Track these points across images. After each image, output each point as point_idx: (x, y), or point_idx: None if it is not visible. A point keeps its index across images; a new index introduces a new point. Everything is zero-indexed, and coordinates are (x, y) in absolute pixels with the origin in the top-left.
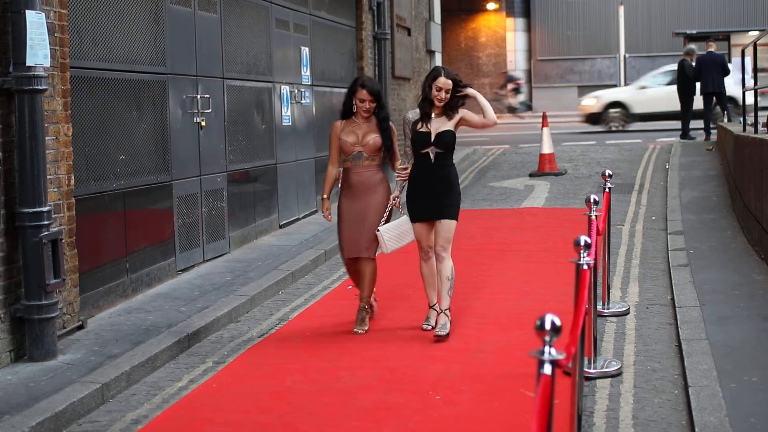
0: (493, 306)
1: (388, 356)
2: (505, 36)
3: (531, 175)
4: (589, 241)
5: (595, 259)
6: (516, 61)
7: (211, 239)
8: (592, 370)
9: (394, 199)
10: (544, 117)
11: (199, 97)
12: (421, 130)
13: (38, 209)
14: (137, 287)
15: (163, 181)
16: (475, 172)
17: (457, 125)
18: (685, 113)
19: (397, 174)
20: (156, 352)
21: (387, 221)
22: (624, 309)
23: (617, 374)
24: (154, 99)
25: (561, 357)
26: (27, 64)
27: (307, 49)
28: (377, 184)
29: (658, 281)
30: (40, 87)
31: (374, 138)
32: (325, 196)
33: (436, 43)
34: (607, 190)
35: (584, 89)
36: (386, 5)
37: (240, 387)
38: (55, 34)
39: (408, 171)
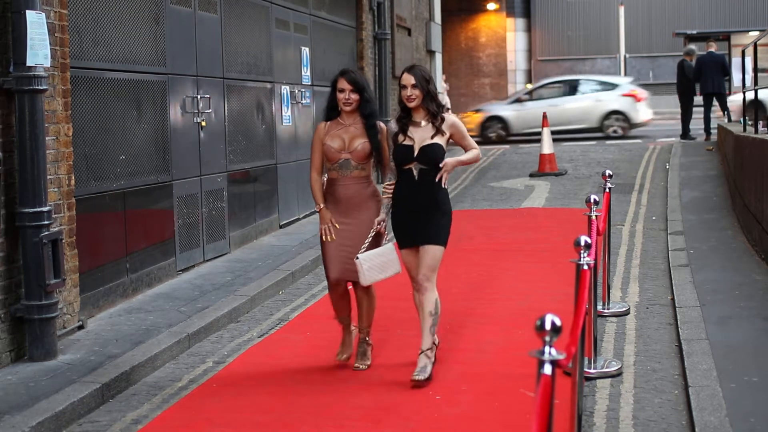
0: (493, 306)
1: (388, 356)
2: (505, 36)
3: (531, 175)
4: (589, 241)
5: (596, 259)
6: (516, 62)
7: (211, 239)
8: (592, 370)
9: (378, 224)
10: (545, 117)
11: (199, 97)
12: (402, 142)
13: (38, 209)
14: (137, 287)
15: (164, 181)
16: (476, 172)
17: (445, 136)
18: (685, 114)
19: (383, 190)
20: (156, 352)
21: (370, 247)
22: (624, 309)
23: (617, 374)
24: (155, 99)
25: (561, 357)
26: (27, 64)
27: (307, 49)
28: (368, 199)
29: (658, 281)
30: (40, 87)
31: (363, 143)
32: (321, 205)
33: (437, 43)
34: (607, 190)
35: None
36: (386, 5)
37: (240, 387)
38: (56, 34)
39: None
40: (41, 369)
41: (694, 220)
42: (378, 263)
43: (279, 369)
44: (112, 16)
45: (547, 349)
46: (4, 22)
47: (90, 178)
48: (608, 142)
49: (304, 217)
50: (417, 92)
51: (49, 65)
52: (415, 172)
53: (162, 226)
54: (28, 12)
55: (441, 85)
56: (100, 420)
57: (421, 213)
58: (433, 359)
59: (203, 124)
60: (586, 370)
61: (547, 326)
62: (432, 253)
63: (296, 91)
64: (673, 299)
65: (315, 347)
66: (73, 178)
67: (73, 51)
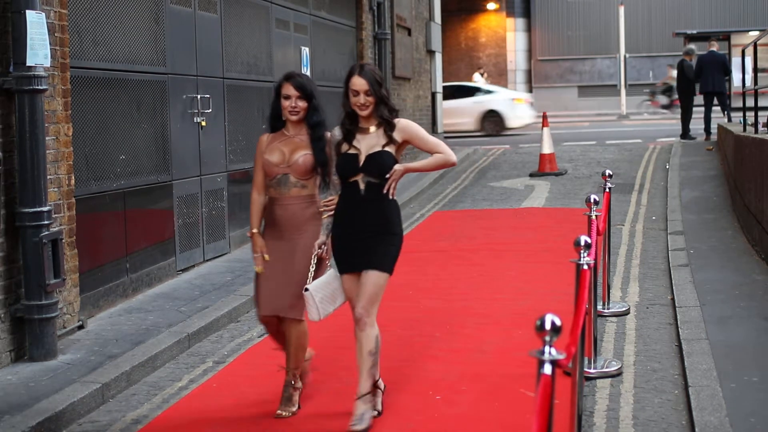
0: (493, 306)
1: (388, 356)
2: (505, 36)
3: (531, 175)
4: (589, 241)
5: (596, 259)
6: (516, 62)
7: (211, 239)
8: (592, 370)
9: (320, 247)
10: (545, 117)
11: (199, 97)
12: (347, 151)
13: (38, 209)
14: (137, 287)
15: (164, 181)
16: (476, 172)
17: (399, 148)
18: (685, 113)
19: (323, 207)
20: (156, 352)
21: (315, 276)
22: (624, 309)
23: (617, 374)
24: (155, 99)
25: (561, 357)
26: (27, 64)
27: (307, 49)
28: (308, 221)
29: (658, 281)
30: (40, 87)
31: (304, 155)
32: (254, 230)
33: (437, 43)
34: (607, 190)
35: (584, 89)
36: (386, 5)
37: (240, 387)
38: (56, 34)
39: (335, 204)
40: (41, 369)
41: (694, 220)
42: (328, 293)
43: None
44: (112, 16)
45: (547, 349)
46: (4, 22)
47: (90, 178)
48: (608, 142)
49: None
50: (371, 99)
51: (49, 65)
52: (361, 186)
53: (162, 226)
54: (28, 12)
55: (480, 79)
56: (100, 420)
57: (366, 233)
58: (377, 406)
59: (203, 124)
60: (586, 370)
61: (547, 326)
62: (374, 280)
63: None
64: (673, 299)
65: (316, 346)
66: (73, 178)
67: (73, 51)
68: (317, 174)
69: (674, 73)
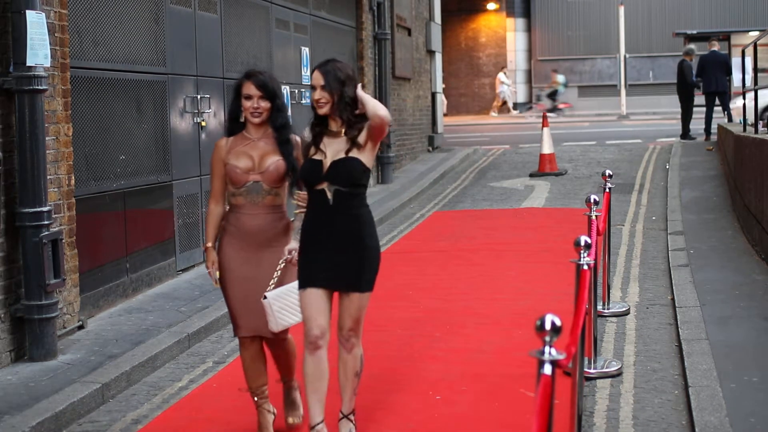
0: (493, 306)
1: (388, 356)
2: (505, 36)
3: (531, 175)
4: (589, 241)
5: (596, 259)
6: (516, 62)
7: None
8: (592, 370)
9: (290, 252)
10: (545, 117)
11: (199, 97)
12: (313, 156)
13: (38, 209)
14: (137, 287)
15: (164, 181)
16: (476, 172)
17: (367, 149)
18: (686, 114)
19: (296, 202)
20: (156, 352)
21: (278, 284)
22: (624, 309)
23: (617, 374)
24: (155, 99)
25: (561, 357)
26: (27, 64)
27: (307, 49)
28: (280, 234)
29: (658, 281)
30: (40, 87)
31: (277, 161)
32: (209, 244)
33: (437, 43)
34: (607, 190)
35: (584, 89)
36: (386, 5)
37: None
38: (56, 34)
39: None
40: (41, 369)
41: (694, 220)
42: (291, 302)
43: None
44: (112, 16)
45: (547, 349)
46: (4, 22)
47: (90, 178)
48: (608, 142)
49: None
50: (326, 96)
51: (49, 65)
52: (329, 195)
53: (162, 226)
54: (28, 12)
55: (505, 79)
56: (100, 420)
57: (337, 249)
58: (355, 425)
59: (203, 124)
60: (586, 370)
61: (547, 326)
62: (358, 303)
63: (296, 91)
64: (673, 299)
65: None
66: (73, 178)
67: (73, 51)
68: (288, 180)
69: (559, 77)
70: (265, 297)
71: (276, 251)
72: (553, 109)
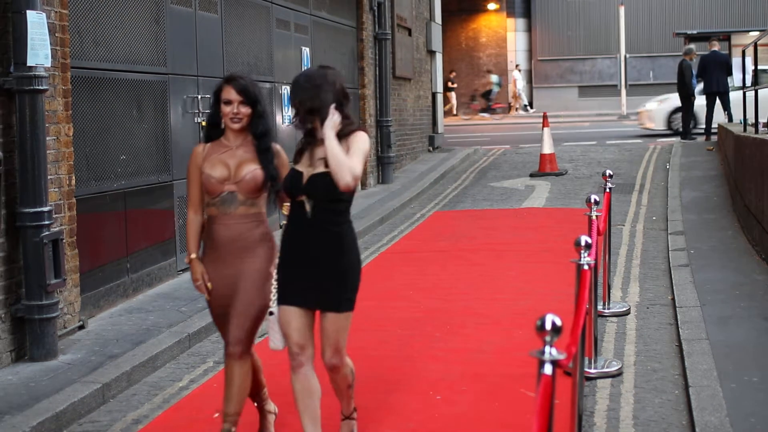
0: (493, 306)
1: (388, 356)
2: (505, 36)
3: (531, 175)
4: (589, 241)
5: (596, 259)
6: (516, 61)
7: None
8: (592, 370)
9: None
10: (545, 117)
11: (199, 97)
12: (296, 165)
13: (39, 209)
14: (138, 287)
15: (164, 181)
16: (476, 172)
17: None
18: (686, 114)
19: (285, 213)
20: (157, 352)
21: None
22: (624, 309)
23: (618, 374)
24: (155, 99)
25: (561, 357)
26: (28, 64)
27: (307, 49)
28: (256, 243)
29: (658, 281)
30: (40, 87)
31: (254, 170)
32: (192, 256)
33: (437, 44)
34: (607, 190)
35: (585, 89)
36: (387, 5)
37: None
38: (56, 34)
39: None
40: (42, 369)
41: (695, 220)
42: None
43: (279, 368)
44: (113, 16)
45: (547, 349)
46: (4, 22)
47: (90, 178)
48: (608, 142)
49: None
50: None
51: (49, 65)
52: (307, 208)
53: (162, 226)
54: (28, 12)
55: (519, 76)
56: (101, 420)
57: (315, 266)
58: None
59: (204, 124)
60: (586, 370)
61: (548, 326)
62: (338, 325)
63: None
64: (673, 299)
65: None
66: (74, 178)
67: (74, 51)
68: (266, 190)
69: (493, 77)
70: (271, 313)
71: (254, 259)
72: (487, 109)
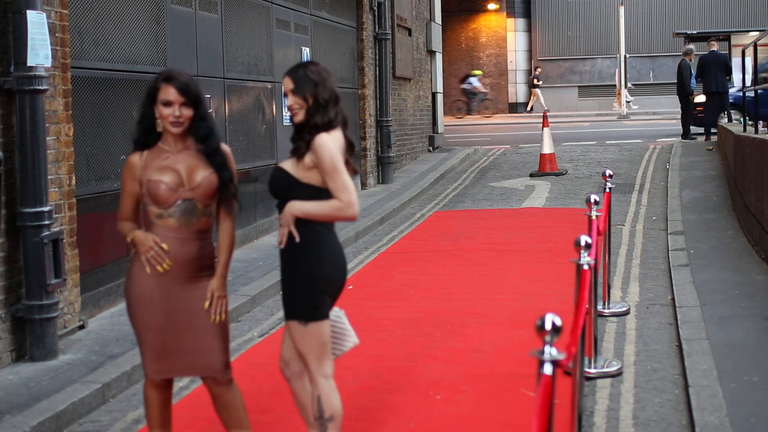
0: (493, 306)
1: (388, 356)
2: (505, 36)
3: (531, 175)
4: (589, 241)
5: (596, 259)
6: (516, 62)
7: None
8: (592, 370)
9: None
10: (545, 117)
11: None
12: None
13: (39, 209)
14: None
15: None
16: (476, 172)
17: (313, 166)
18: (685, 114)
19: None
20: None
21: None
22: (624, 309)
23: (618, 374)
24: None
25: (561, 357)
26: (28, 64)
27: (307, 49)
28: (208, 264)
29: (658, 281)
30: (41, 87)
31: (209, 175)
32: (133, 234)
33: (437, 44)
34: (607, 190)
35: (585, 89)
36: (387, 5)
37: (240, 387)
38: (56, 34)
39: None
40: (42, 369)
41: (695, 220)
42: (338, 330)
43: (279, 369)
44: (113, 16)
45: (547, 348)
46: (4, 22)
47: (91, 178)
48: (608, 142)
49: None
50: (293, 105)
51: (49, 65)
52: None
53: None
54: (28, 12)
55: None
56: (101, 420)
57: (282, 269)
58: None
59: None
60: (586, 369)
61: (548, 326)
62: (295, 334)
63: None
64: (673, 299)
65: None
66: (74, 178)
67: (74, 51)
68: (216, 197)
69: (472, 79)
70: (338, 311)
71: (205, 287)
72: (470, 109)
